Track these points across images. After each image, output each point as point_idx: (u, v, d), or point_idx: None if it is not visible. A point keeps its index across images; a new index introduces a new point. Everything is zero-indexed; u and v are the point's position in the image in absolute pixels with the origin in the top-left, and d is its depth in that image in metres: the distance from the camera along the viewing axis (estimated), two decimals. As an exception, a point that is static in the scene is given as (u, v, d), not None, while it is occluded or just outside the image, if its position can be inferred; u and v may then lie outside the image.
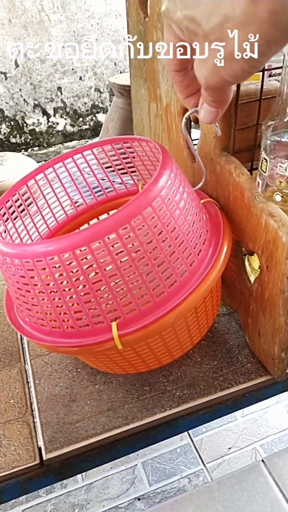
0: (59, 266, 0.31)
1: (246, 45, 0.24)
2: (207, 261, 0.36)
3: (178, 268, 0.34)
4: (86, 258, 0.31)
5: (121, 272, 0.32)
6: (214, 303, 0.42)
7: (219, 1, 0.24)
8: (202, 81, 0.29)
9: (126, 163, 0.48)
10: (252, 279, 0.44)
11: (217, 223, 0.40)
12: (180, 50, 0.30)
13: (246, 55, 0.25)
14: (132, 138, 0.45)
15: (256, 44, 0.24)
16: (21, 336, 0.50)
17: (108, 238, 0.31)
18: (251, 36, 0.24)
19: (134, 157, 0.47)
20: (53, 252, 0.31)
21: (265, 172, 0.37)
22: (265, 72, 0.40)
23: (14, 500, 0.97)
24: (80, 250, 0.30)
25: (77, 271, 0.31)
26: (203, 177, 0.42)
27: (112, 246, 0.31)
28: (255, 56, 0.25)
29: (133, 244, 0.32)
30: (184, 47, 0.30)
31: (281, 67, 0.36)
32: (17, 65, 2.16)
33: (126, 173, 0.49)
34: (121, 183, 0.50)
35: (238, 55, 0.25)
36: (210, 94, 0.30)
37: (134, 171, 0.49)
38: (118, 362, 0.39)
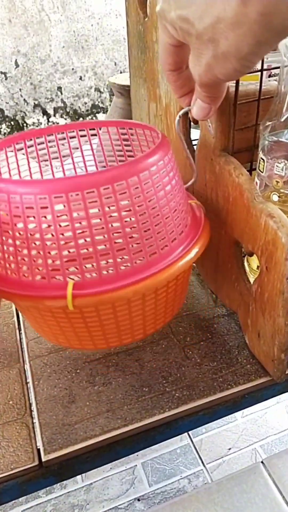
0: (46, 207, 0.31)
1: (238, 45, 0.25)
2: (179, 251, 0.36)
3: (149, 247, 0.34)
4: (65, 206, 0.31)
5: (91, 232, 0.32)
6: (176, 298, 0.41)
7: (211, 1, 0.24)
8: (196, 78, 0.30)
9: (126, 149, 0.47)
10: (251, 280, 0.44)
11: (199, 224, 0.40)
12: (175, 50, 0.31)
13: (238, 55, 0.25)
14: (137, 124, 0.45)
15: (247, 45, 0.25)
16: (20, 336, 0.50)
17: (87, 192, 0.30)
18: (242, 36, 0.24)
19: (133, 142, 0.47)
20: (43, 191, 0.30)
21: (262, 172, 0.37)
22: (265, 72, 0.40)
23: (13, 501, 0.97)
24: (65, 197, 0.30)
25: (57, 217, 0.31)
26: (194, 175, 0.41)
27: (91, 202, 0.31)
28: (246, 54, 0.25)
29: (109, 208, 0.31)
30: (179, 46, 0.30)
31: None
32: (17, 65, 2.15)
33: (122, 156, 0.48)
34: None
35: (230, 55, 0.26)
36: (204, 90, 0.31)
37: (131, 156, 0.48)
38: (65, 329, 0.37)
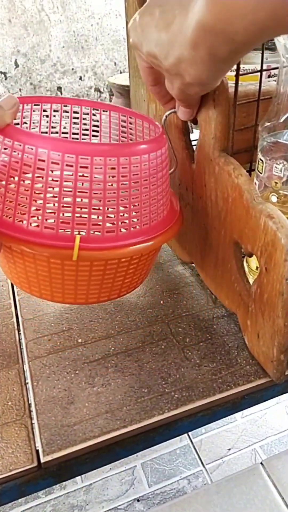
0: (58, 166, 0.34)
1: (198, 76, 0.31)
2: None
3: (144, 216, 0.39)
4: (85, 168, 0.35)
5: (105, 195, 0.36)
6: (146, 267, 0.46)
7: (171, 45, 0.30)
8: (173, 95, 0.37)
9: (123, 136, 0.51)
10: (251, 280, 0.44)
11: (175, 213, 0.45)
12: (152, 71, 0.37)
13: (200, 83, 0.32)
14: (141, 116, 0.49)
15: (205, 75, 0.31)
16: (19, 337, 0.50)
17: (110, 160, 0.35)
18: (199, 71, 0.31)
19: (131, 134, 0.51)
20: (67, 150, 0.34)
21: (262, 173, 0.37)
22: (264, 73, 0.40)
23: (13, 502, 0.97)
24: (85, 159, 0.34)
25: (71, 175, 0.34)
26: (174, 164, 0.45)
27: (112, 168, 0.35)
28: (206, 82, 0.33)
29: (113, 177, 0.36)
30: (154, 70, 0.37)
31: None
32: (17, 65, 2.15)
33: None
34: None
35: (194, 83, 0.32)
36: (181, 103, 0.39)
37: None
38: (54, 280, 0.41)
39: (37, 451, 0.38)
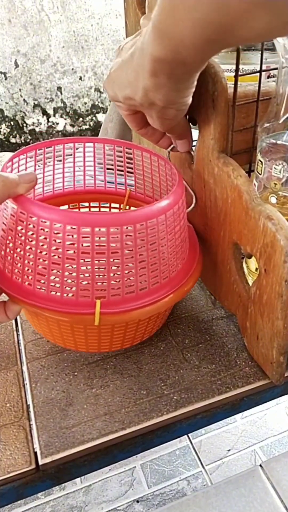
0: (75, 237, 0.35)
1: (168, 99, 0.34)
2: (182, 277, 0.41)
3: (162, 272, 0.39)
4: (99, 238, 0.35)
5: (123, 260, 0.36)
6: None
7: (137, 79, 0.33)
8: (158, 128, 0.39)
9: (124, 166, 0.51)
10: (250, 281, 0.44)
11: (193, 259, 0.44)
12: (134, 117, 0.40)
13: (173, 104, 0.34)
14: (148, 151, 0.48)
15: (173, 96, 0.33)
16: (18, 338, 0.50)
17: (127, 228, 0.35)
18: (166, 95, 0.33)
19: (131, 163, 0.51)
20: (78, 223, 0.35)
21: (261, 174, 0.36)
22: (264, 73, 0.40)
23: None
24: (100, 230, 0.35)
25: (88, 246, 0.35)
26: (193, 201, 0.45)
27: (127, 235, 0.35)
28: (177, 100, 0.34)
29: (130, 242, 0.36)
30: (135, 113, 0.39)
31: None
32: (16, 65, 2.15)
33: (121, 174, 0.51)
34: (111, 182, 0.52)
35: (168, 107, 0.35)
36: (170, 134, 0.41)
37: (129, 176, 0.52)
38: (77, 336, 0.41)
39: (35, 453, 0.38)
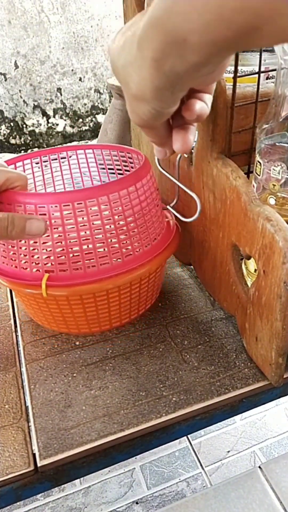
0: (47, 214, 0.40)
1: (142, 88, 0.26)
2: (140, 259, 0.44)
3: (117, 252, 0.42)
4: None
5: (65, 236, 0.40)
6: (132, 301, 0.48)
7: (122, 47, 0.26)
8: (135, 123, 0.31)
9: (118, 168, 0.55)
10: (249, 283, 0.44)
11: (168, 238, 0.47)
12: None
13: (145, 99, 0.27)
14: (130, 150, 0.52)
15: (148, 89, 0.26)
16: (17, 340, 0.50)
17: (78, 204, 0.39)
18: (143, 80, 0.25)
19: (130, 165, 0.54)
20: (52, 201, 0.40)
21: (259, 176, 0.36)
22: (263, 74, 0.40)
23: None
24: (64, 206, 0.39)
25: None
26: (198, 208, 0.43)
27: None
28: (152, 100, 0.27)
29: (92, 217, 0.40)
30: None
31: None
32: (16, 66, 2.15)
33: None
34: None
35: (139, 98, 0.27)
36: (145, 133, 0.32)
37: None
38: (42, 309, 0.47)
39: (34, 455, 0.38)
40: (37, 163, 0.52)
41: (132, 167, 0.52)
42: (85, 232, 0.40)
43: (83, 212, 0.40)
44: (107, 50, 0.29)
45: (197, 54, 0.22)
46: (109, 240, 0.41)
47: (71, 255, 0.41)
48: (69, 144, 2.39)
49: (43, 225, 0.40)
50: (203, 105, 0.30)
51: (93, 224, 0.40)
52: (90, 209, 0.40)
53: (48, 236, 0.40)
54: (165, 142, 0.33)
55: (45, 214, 0.40)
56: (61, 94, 2.30)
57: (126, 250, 0.42)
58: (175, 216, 0.48)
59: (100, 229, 0.40)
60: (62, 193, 0.42)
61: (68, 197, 0.40)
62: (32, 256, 0.42)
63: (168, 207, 0.49)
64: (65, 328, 0.49)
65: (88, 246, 0.41)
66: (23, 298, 0.48)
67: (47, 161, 0.53)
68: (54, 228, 0.40)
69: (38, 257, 0.42)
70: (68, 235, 0.40)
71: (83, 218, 0.40)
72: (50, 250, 0.41)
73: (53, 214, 0.40)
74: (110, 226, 0.41)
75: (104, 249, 0.41)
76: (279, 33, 0.20)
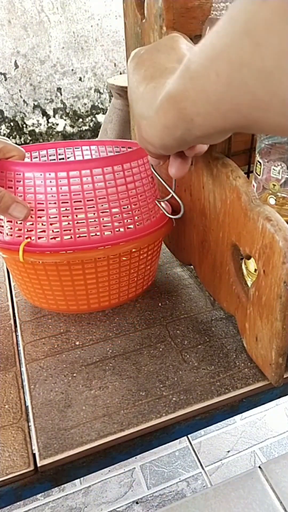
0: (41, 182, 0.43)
1: (151, 139, 0.32)
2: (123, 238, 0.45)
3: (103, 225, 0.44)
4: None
5: (70, 205, 0.43)
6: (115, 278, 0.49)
7: (142, 99, 0.32)
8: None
9: None
10: (249, 282, 0.44)
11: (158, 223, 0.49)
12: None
13: (151, 145, 0.33)
14: (131, 143, 0.54)
15: (156, 142, 0.32)
16: (17, 340, 0.49)
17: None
18: (153, 137, 0.32)
19: None
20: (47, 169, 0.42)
21: (259, 175, 0.36)
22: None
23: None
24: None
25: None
26: (181, 209, 0.46)
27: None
28: (158, 149, 0.33)
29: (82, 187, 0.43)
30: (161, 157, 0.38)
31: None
32: (16, 66, 2.15)
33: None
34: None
35: (147, 141, 0.33)
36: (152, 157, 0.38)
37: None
38: (33, 281, 0.48)
39: (34, 455, 0.38)
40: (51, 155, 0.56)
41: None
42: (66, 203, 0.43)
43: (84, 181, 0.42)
44: (127, 81, 0.35)
45: (201, 132, 0.27)
46: (93, 214, 0.43)
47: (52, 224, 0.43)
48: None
49: (25, 212, 0.42)
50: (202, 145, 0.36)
51: (86, 194, 0.43)
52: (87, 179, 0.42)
53: (43, 204, 0.43)
54: (161, 158, 0.38)
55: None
56: (61, 94, 2.30)
57: (107, 227, 0.44)
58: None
59: (92, 200, 0.43)
60: (54, 164, 0.46)
61: (61, 167, 0.42)
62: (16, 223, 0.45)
63: (156, 201, 0.49)
64: (54, 305, 0.50)
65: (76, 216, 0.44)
66: (12, 267, 0.50)
67: (54, 154, 0.57)
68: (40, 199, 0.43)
69: (21, 223, 0.44)
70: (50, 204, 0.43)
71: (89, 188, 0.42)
72: (33, 218, 0.44)
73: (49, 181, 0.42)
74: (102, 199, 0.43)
75: (84, 222, 0.44)
76: (269, 131, 0.24)
